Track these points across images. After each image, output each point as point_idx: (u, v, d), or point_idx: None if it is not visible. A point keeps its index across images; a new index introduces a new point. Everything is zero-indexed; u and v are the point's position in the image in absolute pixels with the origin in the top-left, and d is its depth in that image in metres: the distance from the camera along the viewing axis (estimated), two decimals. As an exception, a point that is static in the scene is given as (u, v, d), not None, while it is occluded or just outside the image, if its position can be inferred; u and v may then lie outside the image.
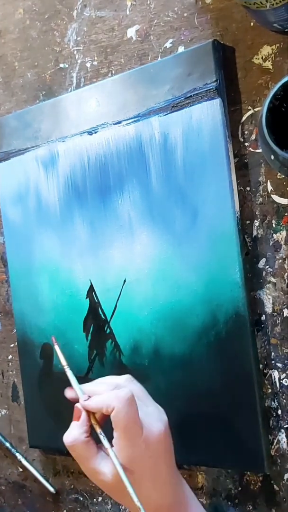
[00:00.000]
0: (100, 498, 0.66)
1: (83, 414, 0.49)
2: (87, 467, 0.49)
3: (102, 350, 0.61)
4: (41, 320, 0.66)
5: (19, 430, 0.72)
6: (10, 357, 0.73)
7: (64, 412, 0.64)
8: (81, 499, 0.67)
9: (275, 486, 0.54)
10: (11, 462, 0.74)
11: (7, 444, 0.73)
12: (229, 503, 0.56)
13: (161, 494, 0.48)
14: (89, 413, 0.49)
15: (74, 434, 0.49)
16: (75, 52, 0.65)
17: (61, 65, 0.66)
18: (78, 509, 0.68)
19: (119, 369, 0.60)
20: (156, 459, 0.47)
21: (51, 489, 0.69)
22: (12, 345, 0.72)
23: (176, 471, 0.50)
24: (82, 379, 0.59)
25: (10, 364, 0.73)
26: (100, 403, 0.48)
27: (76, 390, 0.51)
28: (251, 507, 0.55)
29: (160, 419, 0.48)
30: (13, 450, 0.72)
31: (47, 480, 0.70)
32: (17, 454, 0.72)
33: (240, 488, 0.56)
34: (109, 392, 0.47)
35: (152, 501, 0.47)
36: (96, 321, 0.62)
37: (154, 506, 0.48)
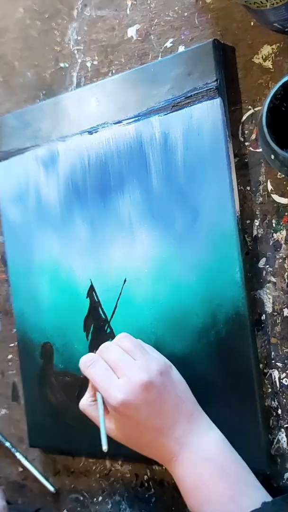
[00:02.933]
0: (100, 498, 0.66)
1: (90, 383, 0.54)
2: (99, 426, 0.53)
3: (102, 350, 0.61)
4: (41, 320, 0.66)
5: (19, 429, 0.72)
6: (10, 356, 0.73)
7: (64, 411, 0.64)
8: (81, 498, 0.67)
9: (275, 486, 0.54)
10: (11, 462, 0.74)
11: (7, 444, 0.73)
12: (229, 502, 0.56)
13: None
14: None
15: (83, 400, 0.55)
16: (76, 51, 0.65)
17: (62, 65, 0.66)
18: (78, 509, 0.68)
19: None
20: (137, 408, 0.50)
21: (51, 488, 0.69)
22: (12, 345, 0.72)
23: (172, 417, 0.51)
24: (82, 379, 0.60)
25: (10, 363, 0.73)
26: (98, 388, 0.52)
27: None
28: (251, 507, 0.55)
29: (144, 370, 0.50)
30: (13, 449, 0.72)
31: (47, 480, 0.70)
32: (17, 454, 0.72)
33: (240, 488, 0.56)
34: (107, 387, 0.51)
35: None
36: (96, 320, 0.62)
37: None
